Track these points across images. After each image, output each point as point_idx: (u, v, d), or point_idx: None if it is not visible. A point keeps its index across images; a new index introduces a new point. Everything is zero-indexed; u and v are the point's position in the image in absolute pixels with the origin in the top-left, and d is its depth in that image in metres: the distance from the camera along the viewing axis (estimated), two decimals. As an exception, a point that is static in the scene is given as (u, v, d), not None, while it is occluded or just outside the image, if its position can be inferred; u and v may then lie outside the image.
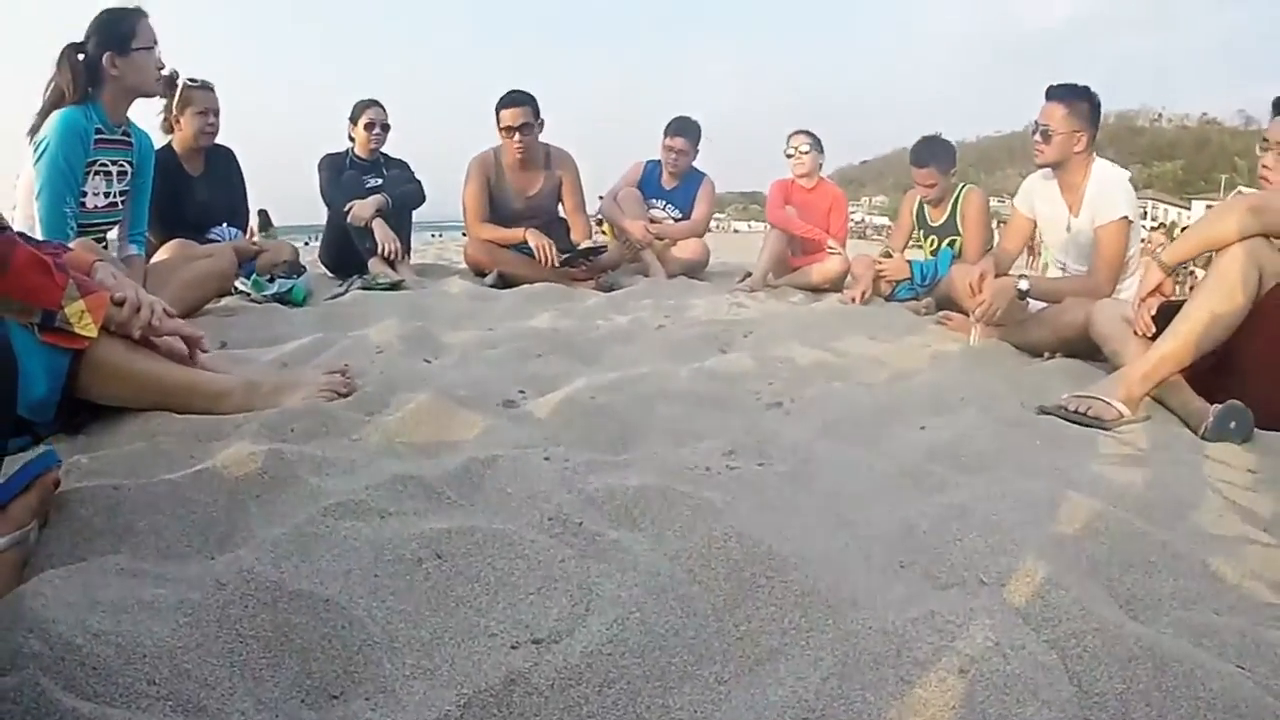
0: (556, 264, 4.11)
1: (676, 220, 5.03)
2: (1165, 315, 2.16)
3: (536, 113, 4.25)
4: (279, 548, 0.97)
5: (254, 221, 4.34)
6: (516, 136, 4.20)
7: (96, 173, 2.88)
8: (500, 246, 4.27)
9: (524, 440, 1.37)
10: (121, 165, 2.98)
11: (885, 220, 66.82)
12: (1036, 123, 3.11)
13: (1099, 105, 3.13)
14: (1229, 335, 2.03)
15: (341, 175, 4.58)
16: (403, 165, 4.79)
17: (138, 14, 2.87)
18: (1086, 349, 2.72)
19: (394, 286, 3.83)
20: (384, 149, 4.75)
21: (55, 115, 2.74)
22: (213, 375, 1.68)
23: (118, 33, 2.82)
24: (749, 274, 4.64)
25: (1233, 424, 1.91)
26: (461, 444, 1.38)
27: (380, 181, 4.58)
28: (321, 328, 2.73)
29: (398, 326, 2.54)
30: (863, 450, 1.42)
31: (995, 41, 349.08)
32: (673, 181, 5.03)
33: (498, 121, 4.25)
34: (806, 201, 4.81)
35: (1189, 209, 65.76)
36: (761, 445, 1.32)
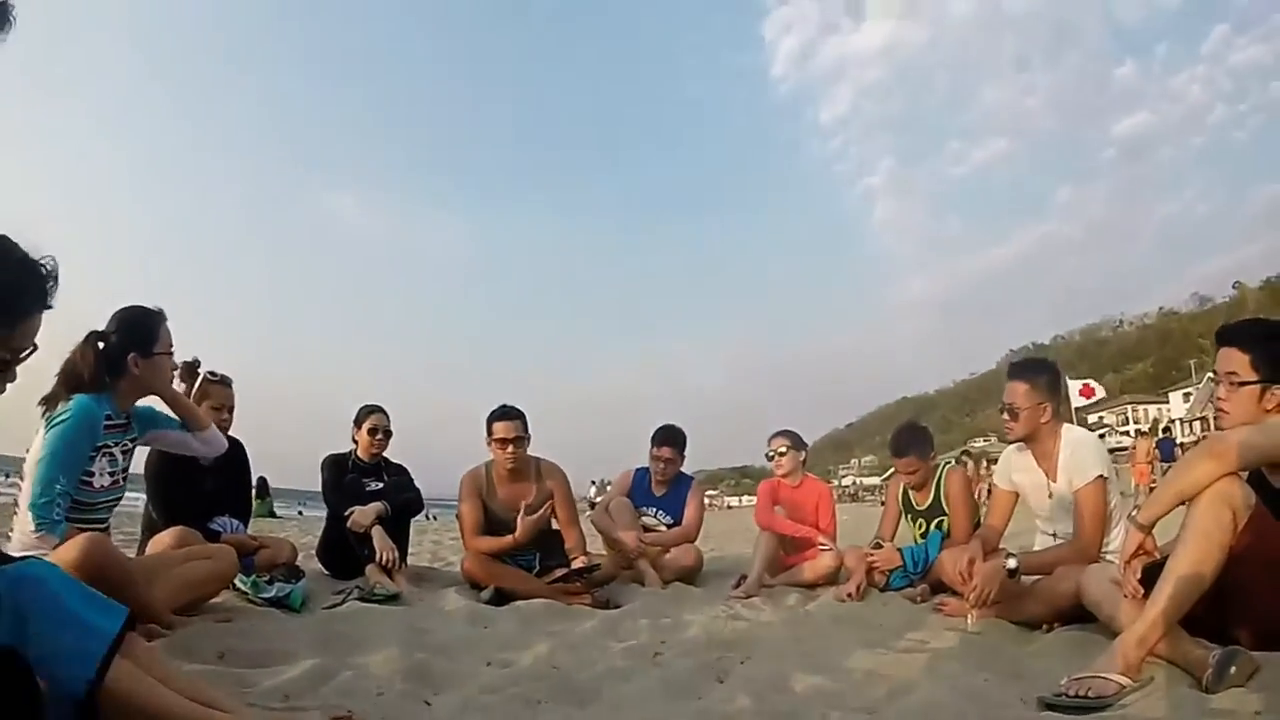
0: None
1: (668, 526, 5.14)
2: (1151, 573, 2.20)
3: (526, 426, 4.45)
4: None
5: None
6: (509, 449, 4.37)
7: (102, 455, 2.95)
8: (497, 562, 4.30)
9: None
10: (124, 445, 3.09)
11: (876, 480, 67.34)
12: (1003, 403, 3.29)
13: (1059, 374, 3.36)
14: (1215, 579, 2.06)
15: (344, 478, 4.75)
16: (402, 471, 5.01)
17: (160, 317, 3.05)
18: (1084, 614, 2.73)
19: (391, 598, 3.80)
20: (385, 453, 4.96)
21: (72, 401, 2.82)
22: (225, 717, 1.71)
23: (142, 334, 2.99)
24: (744, 576, 4.65)
25: (1233, 669, 1.92)
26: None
27: (381, 485, 4.76)
28: (321, 649, 2.70)
29: (398, 658, 2.54)
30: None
31: (952, 295, 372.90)
32: (662, 488, 5.20)
33: (489, 434, 4.42)
34: (794, 499, 4.98)
35: (1167, 403, 66.98)
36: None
